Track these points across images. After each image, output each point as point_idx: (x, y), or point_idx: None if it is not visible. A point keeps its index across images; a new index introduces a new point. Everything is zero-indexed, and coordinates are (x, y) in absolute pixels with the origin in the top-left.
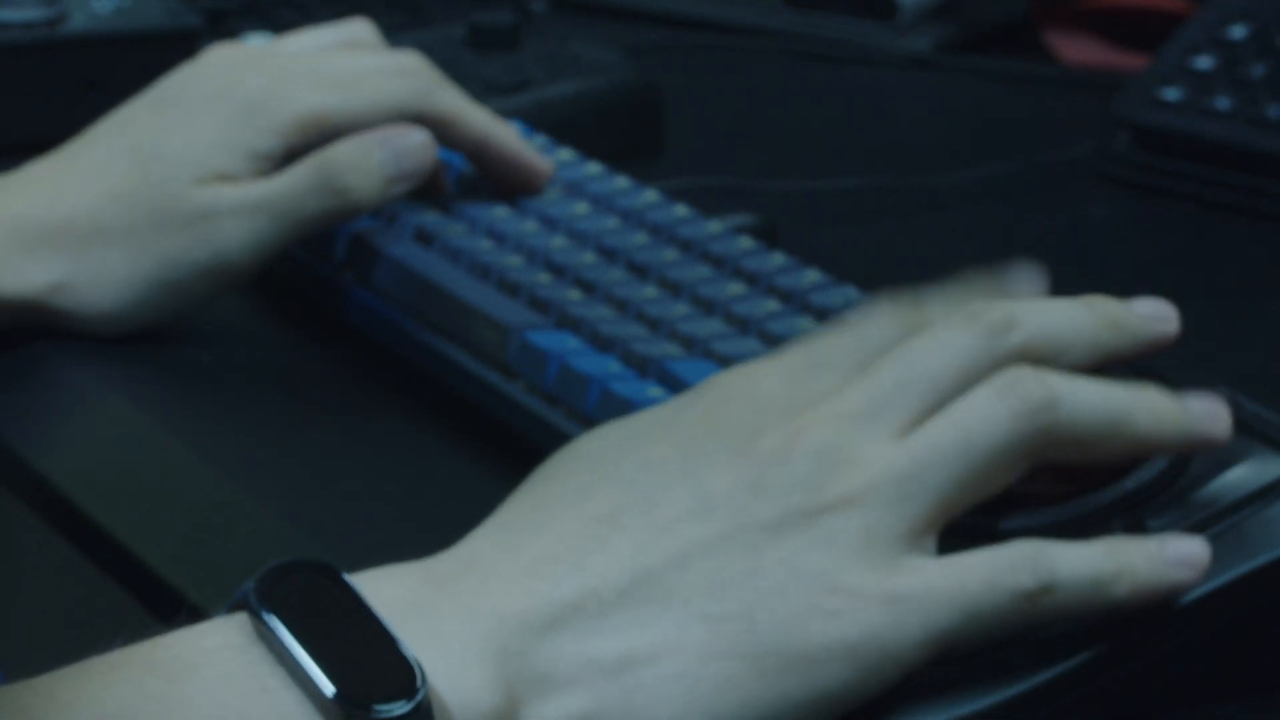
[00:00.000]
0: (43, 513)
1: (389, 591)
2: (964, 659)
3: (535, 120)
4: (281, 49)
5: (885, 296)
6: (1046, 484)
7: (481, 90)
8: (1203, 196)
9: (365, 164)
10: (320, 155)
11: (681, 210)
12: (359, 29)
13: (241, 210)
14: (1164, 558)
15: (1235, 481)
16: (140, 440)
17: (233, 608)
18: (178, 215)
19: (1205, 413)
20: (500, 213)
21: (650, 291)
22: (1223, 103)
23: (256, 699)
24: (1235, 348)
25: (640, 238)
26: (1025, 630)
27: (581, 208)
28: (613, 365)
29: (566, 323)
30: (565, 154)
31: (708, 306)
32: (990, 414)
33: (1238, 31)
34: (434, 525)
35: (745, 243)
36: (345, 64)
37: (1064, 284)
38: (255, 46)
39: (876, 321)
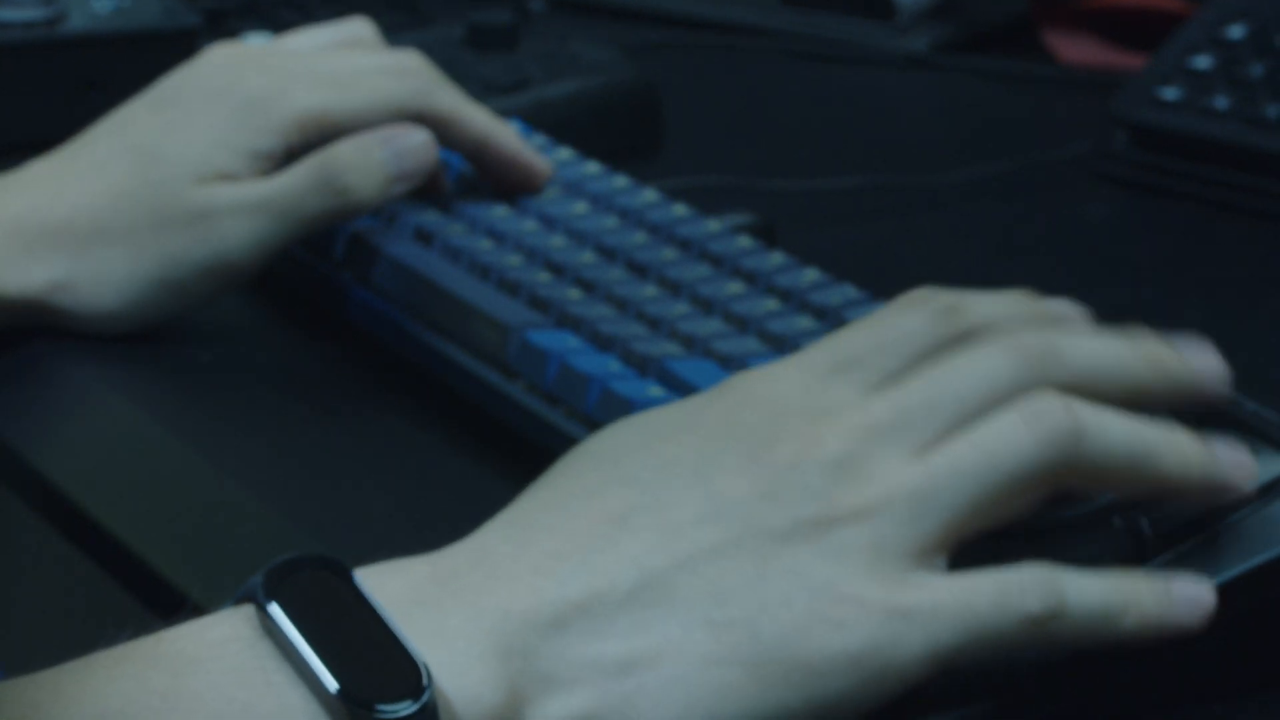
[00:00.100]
0: (43, 512)
1: (394, 586)
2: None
3: (534, 120)
4: (281, 48)
5: (922, 289)
6: None
7: (480, 90)
8: (1201, 196)
9: (366, 163)
10: (321, 154)
11: (680, 209)
12: (358, 28)
13: (242, 209)
14: (1171, 597)
15: None
16: (141, 439)
17: (240, 600)
18: (178, 214)
19: (1231, 461)
20: (500, 212)
21: (650, 290)
22: (1221, 102)
23: (262, 694)
24: (1234, 347)
25: (639, 237)
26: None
27: (581, 207)
28: (613, 364)
29: (566, 322)
30: (564, 153)
31: (707, 305)
32: (1014, 439)
33: (1236, 31)
34: (433, 524)
35: (744, 242)
36: (345, 63)
37: (1062, 283)
38: (255, 46)
39: (911, 316)
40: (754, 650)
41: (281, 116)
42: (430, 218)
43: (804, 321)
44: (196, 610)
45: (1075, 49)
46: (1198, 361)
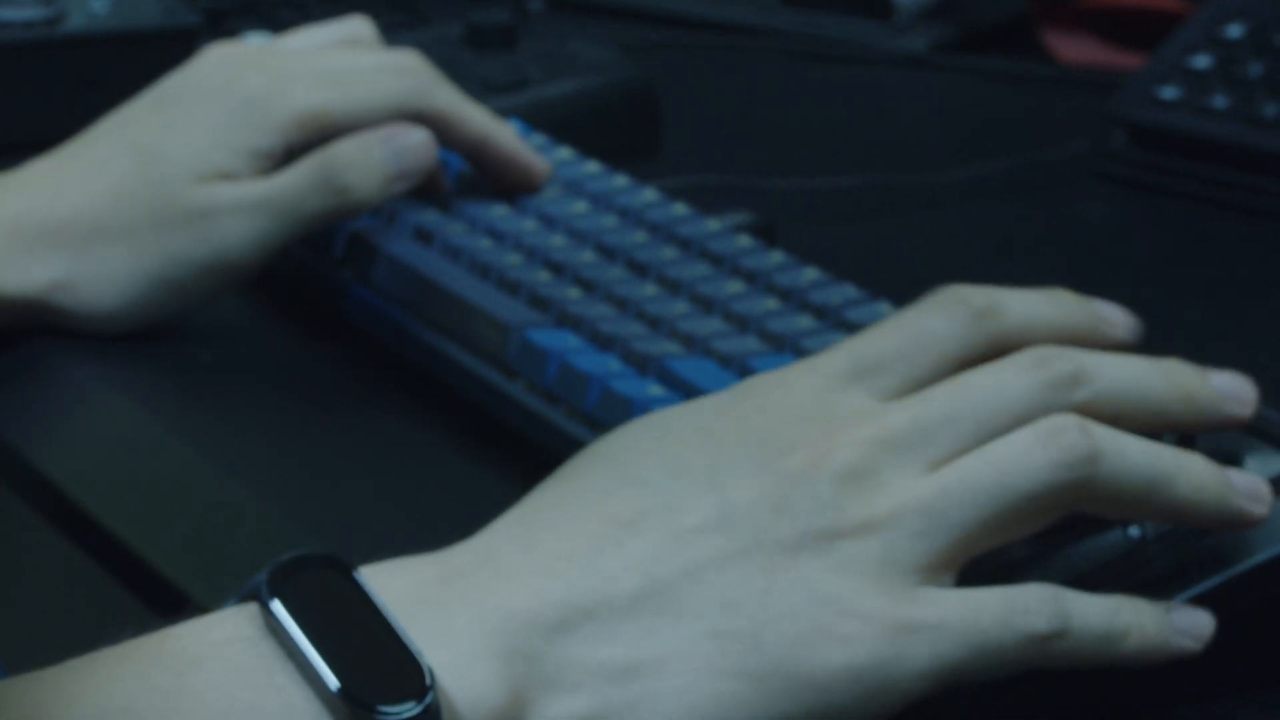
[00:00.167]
0: (43, 512)
1: (399, 585)
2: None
3: (533, 119)
4: (280, 47)
5: (953, 287)
6: None
7: (479, 89)
8: (1200, 195)
9: (366, 162)
10: (321, 153)
11: (680, 209)
12: (357, 27)
13: (242, 208)
14: (1172, 624)
15: None
16: (141, 438)
17: (244, 597)
18: (178, 213)
19: (1247, 490)
20: (499, 211)
21: (650, 290)
22: (1220, 101)
23: (265, 693)
24: (1233, 346)
25: (639, 236)
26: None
27: (580, 206)
28: (613, 363)
29: (566, 321)
30: (564, 153)
31: (707, 305)
32: (1029, 460)
33: (1235, 30)
34: (434, 523)
35: (744, 241)
36: (344, 62)
37: (1062, 282)
38: (254, 45)
39: (940, 319)
40: (758, 663)
41: (281, 115)
42: (430, 217)
43: (804, 321)
44: (199, 609)
45: (1074, 49)
46: (1228, 390)
